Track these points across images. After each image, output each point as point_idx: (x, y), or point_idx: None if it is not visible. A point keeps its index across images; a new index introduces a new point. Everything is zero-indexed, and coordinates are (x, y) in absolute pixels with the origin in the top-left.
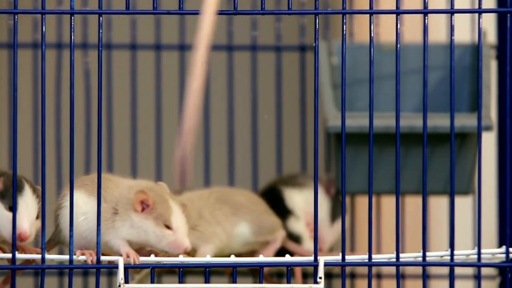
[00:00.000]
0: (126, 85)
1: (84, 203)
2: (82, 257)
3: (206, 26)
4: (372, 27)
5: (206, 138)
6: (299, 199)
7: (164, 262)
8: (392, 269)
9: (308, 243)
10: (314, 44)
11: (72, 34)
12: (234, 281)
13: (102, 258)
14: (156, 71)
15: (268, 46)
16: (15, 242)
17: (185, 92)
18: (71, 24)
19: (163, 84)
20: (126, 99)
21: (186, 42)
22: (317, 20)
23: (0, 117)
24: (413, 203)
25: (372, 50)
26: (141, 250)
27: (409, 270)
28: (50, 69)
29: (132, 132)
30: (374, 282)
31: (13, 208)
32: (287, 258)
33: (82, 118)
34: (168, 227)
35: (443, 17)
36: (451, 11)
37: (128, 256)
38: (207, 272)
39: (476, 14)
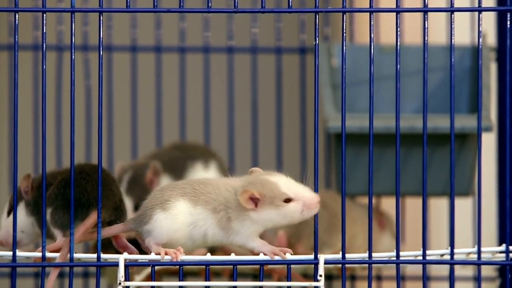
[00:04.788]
0: (127, 86)
1: (190, 213)
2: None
3: None
4: (372, 26)
5: (207, 139)
6: None
7: (165, 261)
8: (392, 271)
9: None
10: (314, 43)
11: (73, 32)
12: (234, 280)
13: (103, 256)
14: (157, 73)
15: (268, 48)
16: (15, 241)
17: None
18: (71, 22)
19: (163, 86)
20: (127, 100)
21: (186, 44)
22: (317, 18)
23: (1, 118)
24: (413, 203)
25: (372, 49)
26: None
27: (409, 271)
28: (51, 71)
29: (132, 133)
30: (374, 284)
31: (14, 208)
32: (288, 256)
33: (82, 119)
34: (287, 200)
35: (443, 18)
36: (451, 10)
37: (272, 253)
38: (207, 270)
39: (476, 16)
